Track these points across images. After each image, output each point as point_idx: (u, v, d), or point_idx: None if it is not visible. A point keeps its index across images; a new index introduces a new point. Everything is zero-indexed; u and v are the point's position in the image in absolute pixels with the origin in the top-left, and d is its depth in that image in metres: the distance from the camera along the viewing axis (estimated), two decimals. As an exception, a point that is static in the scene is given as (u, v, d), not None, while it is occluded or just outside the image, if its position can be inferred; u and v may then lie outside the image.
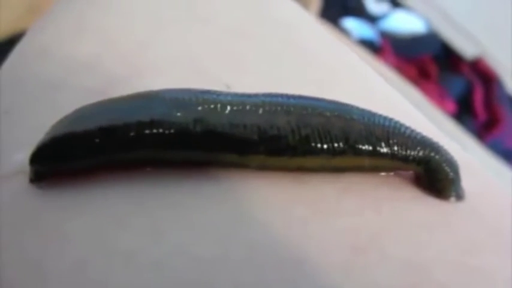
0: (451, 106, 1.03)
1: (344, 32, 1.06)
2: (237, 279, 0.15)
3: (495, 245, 0.17)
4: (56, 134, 0.17)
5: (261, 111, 0.17)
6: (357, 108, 0.18)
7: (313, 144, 0.17)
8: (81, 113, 0.18)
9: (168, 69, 0.21)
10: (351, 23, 1.11)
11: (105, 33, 0.22)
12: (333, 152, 0.17)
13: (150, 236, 0.16)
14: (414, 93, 0.95)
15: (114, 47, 0.22)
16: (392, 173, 0.18)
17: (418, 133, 0.18)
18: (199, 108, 0.17)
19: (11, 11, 0.76)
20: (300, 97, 0.18)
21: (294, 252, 0.15)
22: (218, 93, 0.18)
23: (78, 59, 0.21)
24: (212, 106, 0.17)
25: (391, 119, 0.18)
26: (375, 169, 0.18)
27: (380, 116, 0.18)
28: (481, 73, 1.09)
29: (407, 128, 0.18)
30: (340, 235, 0.16)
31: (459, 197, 0.18)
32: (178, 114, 0.17)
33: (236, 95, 0.18)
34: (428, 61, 1.09)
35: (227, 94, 0.18)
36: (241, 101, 0.18)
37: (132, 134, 0.17)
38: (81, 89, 0.20)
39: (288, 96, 0.18)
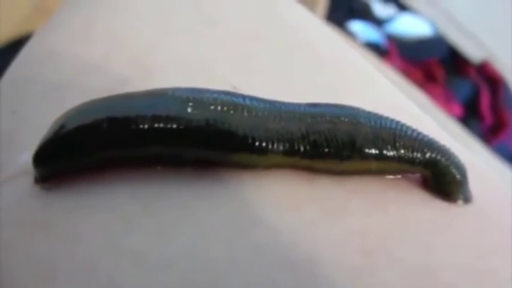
0: (458, 110, 1.03)
1: (350, 35, 1.05)
2: (246, 280, 0.15)
3: (503, 248, 0.17)
4: (61, 130, 0.17)
5: (278, 118, 0.18)
6: (364, 111, 0.18)
7: (320, 149, 0.17)
8: (86, 108, 0.18)
9: (175, 70, 0.21)
10: (357, 26, 1.10)
11: (113, 34, 0.22)
12: (340, 157, 0.17)
13: (158, 237, 0.16)
14: (420, 96, 0.95)
15: (123, 48, 0.22)
16: (399, 176, 0.18)
17: (425, 135, 0.18)
18: (219, 108, 0.17)
19: (18, 11, 0.76)
20: (310, 105, 0.18)
21: (303, 254, 0.15)
22: (237, 96, 0.18)
23: (86, 60, 0.21)
24: (229, 107, 0.17)
25: (397, 122, 0.18)
26: (382, 172, 0.18)
27: (387, 118, 0.18)
28: (488, 77, 1.09)
29: (414, 130, 0.18)
30: (348, 237, 0.16)
31: (467, 199, 0.18)
32: (195, 112, 0.17)
33: (254, 99, 0.18)
34: (434, 65, 1.09)
35: (245, 97, 0.18)
36: (262, 106, 0.18)
37: (146, 127, 0.17)
38: (89, 90, 0.20)
39: (299, 105, 0.18)
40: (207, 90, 0.18)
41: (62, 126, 0.17)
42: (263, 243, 0.16)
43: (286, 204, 0.17)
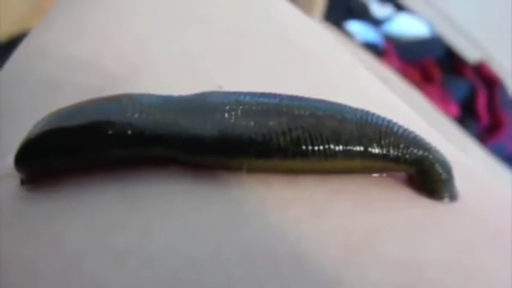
0: (454, 110, 1.03)
1: (348, 35, 1.06)
2: (229, 277, 0.15)
3: (492, 246, 0.17)
4: (41, 131, 0.17)
5: (252, 111, 0.17)
6: (350, 108, 0.18)
7: (303, 147, 0.17)
8: (69, 110, 0.18)
9: (164, 67, 0.21)
10: (354, 26, 1.11)
11: (104, 32, 0.22)
12: (324, 155, 0.17)
13: (142, 235, 0.16)
14: (417, 96, 0.95)
15: (112, 45, 0.22)
16: (385, 174, 0.18)
17: (410, 132, 0.18)
18: (189, 109, 0.17)
19: (13, 11, 0.76)
20: (292, 97, 0.18)
21: (289, 251, 0.15)
22: (209, 94, 0.18)
23: (77, 58, 0.21)
24: (202, 108, 0.17)
25: (384, 118, 0.18)
26: (367, 170, 0.18)
27: (373, 114, 0.18)
28: (484, 77, 1.09)
29: (399, 127, 0.18)
30: (333, 235, 0.16)
31: (453, 197, 0.18)
32: (167, 117, 0.17)
33: (228, 94, 0.18)
34: (431, 65, 1.09)
35: (219, 94, 0.18)
36: (234, 100, 0.17)
37: (110, 132, 0.17)
38: (77, 89, 0.20)
39: (280, 97, 0.18)
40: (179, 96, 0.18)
41: (42, 128, 0.17)
42: (247, 242, 0.15)
43: (270, 205, 0.16)
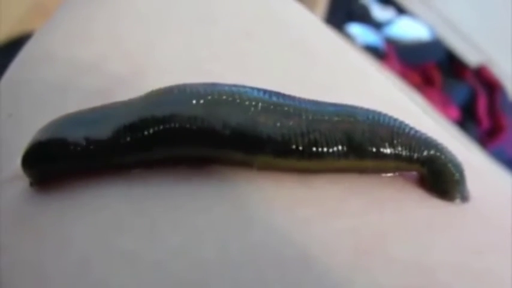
0: (455, 113, 1.04)
1: (349, 38, 1.06)
2: (237, 279, 0.15)
3: (502, 247, 0.17)
4: (47, 134, 0.17)
5: (271, 110, 0.17)
6: (362, 109, 0.18)
7: (319, 149, 0.17)
8: (73, 115, 0.18)
9: (171, 69, 0.21)
10: (355, 29, 1.11)
11: (111, 33, 0.22)
12: (337, 156, 0.17)
13: (150, 237, 0.16)
14: (418, 99, 0.95)
15: (120, 47, 0.22)
16: (396, 174, 0.18)
17: (422, 133, 0.18)
18: (205, 101, 0.17)
19: (16, 9, 0.76)
20: (308, 100, 0.18)
21: (297, 253, 0.15)
22: (228, 86, 0.18)
23: (82, 60, 0.21)
24: (220, 101, 0.17)
25: (395, 119, 0.18)
26: (379, 170, 0.18)
27: (385, 115, 0.18)
28: (485, 81, 1.09)
29: (411, 128, 0.18)
30: (343, 237, 0.16)
31: (464, 198, 0.18)
32: (184, 109, 0.17)
33: (247, 90, 0.18)
34: (432, 68, 1.09)
35: (238, 87, 0.18)
36: (254, 97, 0.17)
37: (116, 137, 0.17)
38: (84, 91, 0.20)
39: (299, 99, 0.18)
40: (191, 85, 0.18)
41: (48, 132, 0.17)
42: (255, 243, 0.15)
43: (279, 205, 0.16)
